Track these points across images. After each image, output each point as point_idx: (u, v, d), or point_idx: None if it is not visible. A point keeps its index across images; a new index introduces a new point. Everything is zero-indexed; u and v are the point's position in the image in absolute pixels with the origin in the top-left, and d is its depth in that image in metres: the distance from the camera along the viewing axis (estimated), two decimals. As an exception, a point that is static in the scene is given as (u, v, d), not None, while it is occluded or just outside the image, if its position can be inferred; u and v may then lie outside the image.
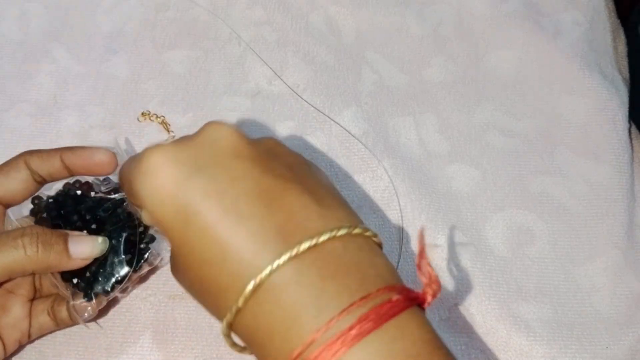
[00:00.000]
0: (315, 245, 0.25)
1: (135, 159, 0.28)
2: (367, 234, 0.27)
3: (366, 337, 0.23)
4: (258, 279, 0.24)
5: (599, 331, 0.41)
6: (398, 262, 0.43)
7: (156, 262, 0.40)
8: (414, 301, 0.25)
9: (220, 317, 0.26)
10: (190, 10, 0.55)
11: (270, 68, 0.51)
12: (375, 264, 0.26)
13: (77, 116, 0.49)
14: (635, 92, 0.53)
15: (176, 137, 0.48)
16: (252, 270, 0.25)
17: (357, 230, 0.26)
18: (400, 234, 0.44)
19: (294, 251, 0.24)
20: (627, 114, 0.50)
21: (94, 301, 0.37)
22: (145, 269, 0.39)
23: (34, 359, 0.39)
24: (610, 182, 0.46)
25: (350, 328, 0.23)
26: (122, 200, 0.39)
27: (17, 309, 0.37)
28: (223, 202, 0.26)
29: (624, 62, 0.54)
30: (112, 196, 0.39)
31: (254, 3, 0.55)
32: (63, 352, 0.40)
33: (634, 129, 0.51)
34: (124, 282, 0.38)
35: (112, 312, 0.41)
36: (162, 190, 0.26)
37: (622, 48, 0.55)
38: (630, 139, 0.49)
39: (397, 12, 0.55)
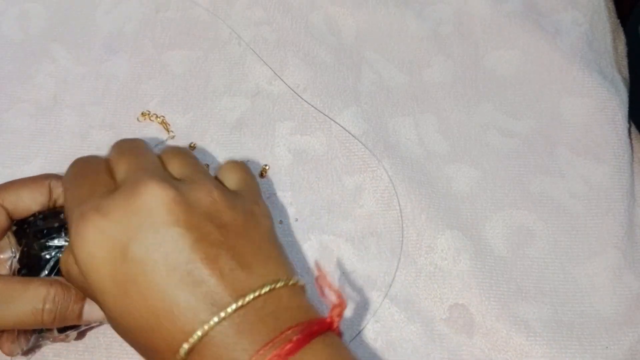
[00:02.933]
0: (241, 305, 0.27)
1: (74, 218, 0.29)
2: (290, 283, 0.29)
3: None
4: (190, 344, 0.27)
5: (598, 331, 0.41)
6: (398, 261, 0.43)
7: None
8: (318, 333, 0.28)
9: None
10: (190, 10, 0.55)
11: (270, 68, 0.51)
12: (291, 307, 0.29)
13: (77, 116, 0.49)
14: (635, 92, 0.53)
15: (175, 137, 0.48)
16: (184, 335, 0.27)
17: (279, 284, 0.29)
18: (401, 233, 0.44)
19: (222, 314, 0.27)
20: (627, 114, 0.50)
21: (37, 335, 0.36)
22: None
23: (34, 359, 0.39)
24: (610, 182, 0.46)
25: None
26: None
27: None
28: (159, 273, 0.27)
29: (624, 62, 0.54)
30: None
31: (254, 3, 0.55)
32: (63, 352, 0.40)
33: (633, 129, 0.51)
34: (78, 328, 0.36)
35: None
36: (99, 259, 0.28)
37: (622, 48, 0.55)
38: (630, 139, 0.49)
39: (397, 12, 0.55)
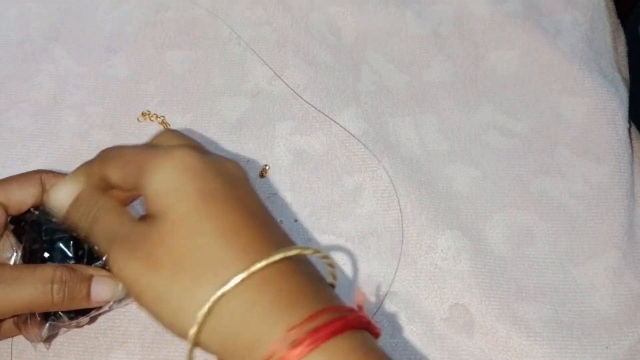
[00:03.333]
0: (271, 264, 0.27)
1: (160, 147, 0.31)
2: (318, 254, 0.29)
3: (324, 344, 0.25)
4: (219, 293, 0.26)
5: (599, 331, 0.41)
6: (398, 261, 0.43)
7: (126, 300, 0.39)
8: (355, 324, 0.26)
9: (182, 323, 0.27)
10: (190, 10, 0.55)
11: (270, 68, 0.51)
12: (323, 287, 0.28)
13: (77, 116, 0.49)
14: (635, 92, 0.53)
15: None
16: (215, 280, 0.26)
17: (308, 252, 0.28)
18: (401, 233, 0.44)
19: (263, 262, 0.26)
20: (627, 114, 0.50)
21: (48, 325, 0.36)
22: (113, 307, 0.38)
23: (34, 358, 0.39)
24: (610, 182, 0.46)
25: (316, 331, 0.25)
26: None
27: None
28: (231, 215, 0.28)
29: (624, 62, 0.54)
30: None
31: (254, 3, 0.55)
32: (63, 352, 0.40)
33: (633, 129, 0.51)
34: (88, 313, 0.37)
35: (113, 312, 0.41)
36: (188, 173, 0.29)
37: (622, 48, 0.55)
38: (630, 139, 0.49)
39: (397, 12, 0.55)
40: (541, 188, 0.46)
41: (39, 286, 0.33)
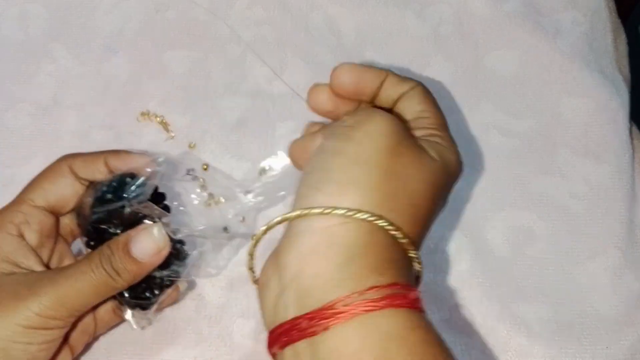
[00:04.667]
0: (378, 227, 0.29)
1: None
2: (412, 252, 0.31)
3: (391, 310, 0.27)
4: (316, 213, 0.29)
5: (599, 331, 0.41)
6: (398, 262, 0.43)
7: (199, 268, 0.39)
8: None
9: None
10: (190, 10, 0.55)
11: (270, 68, 0.51)
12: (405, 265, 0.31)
13: (77, 116, 0.49)
14: (635, 92, 0.53)
15: (175, 137, 0.48)
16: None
17: (403, 240, 0.30)
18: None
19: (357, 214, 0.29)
20: (627, 114, 0.50)
21: (140, 311, 0.38)
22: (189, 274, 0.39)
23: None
24: (610, 182, 0.46)
25: (381, 299, 0.27)
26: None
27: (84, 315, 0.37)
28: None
29: (625, 62, 0.54)
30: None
31: (254, 3, 0.55)
32: (63, 352, 0.40)
33: (634, 128, 0.51)
34: (165, 288, 0.38)
35: (112, 312, 0.41)
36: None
37: (623, 48, 0.55)
38: (631, 138, 0.49)
39: (397, 12, 0.54)
40: (541, 188, 0.46)
41: (95, 271, 0.34)
